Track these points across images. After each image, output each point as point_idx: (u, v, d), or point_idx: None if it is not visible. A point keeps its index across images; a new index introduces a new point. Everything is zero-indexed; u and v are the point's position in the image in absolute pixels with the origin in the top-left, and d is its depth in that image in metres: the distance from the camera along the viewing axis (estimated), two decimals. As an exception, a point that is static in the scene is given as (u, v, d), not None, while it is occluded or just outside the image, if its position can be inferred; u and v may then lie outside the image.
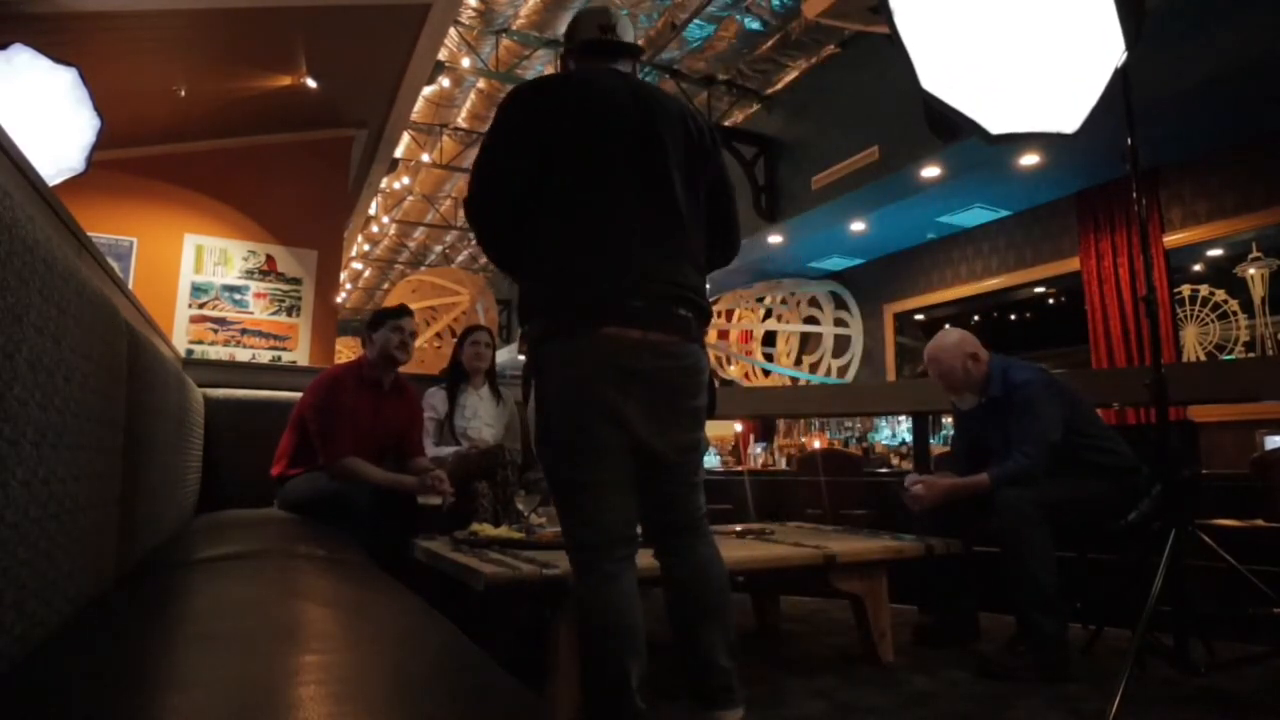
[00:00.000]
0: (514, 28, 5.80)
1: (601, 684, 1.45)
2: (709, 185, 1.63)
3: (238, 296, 5.27)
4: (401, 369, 2.93)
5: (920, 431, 3.72)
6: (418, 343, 7.77)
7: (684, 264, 1.54)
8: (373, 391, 2.81)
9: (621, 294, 1.45)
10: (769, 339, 8.55)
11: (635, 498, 1.54)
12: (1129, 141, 2.16)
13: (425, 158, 7.88)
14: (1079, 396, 2.62)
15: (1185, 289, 5.32)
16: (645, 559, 1.67)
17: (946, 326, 2.87)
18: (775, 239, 6.97)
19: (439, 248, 11.41)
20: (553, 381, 1.49)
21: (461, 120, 7.30)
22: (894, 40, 2.03)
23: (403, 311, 2.88)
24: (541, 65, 6.21)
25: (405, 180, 8.74)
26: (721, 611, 1.57)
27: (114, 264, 2.45)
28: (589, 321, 1.45)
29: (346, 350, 10.15)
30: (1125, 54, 1.95)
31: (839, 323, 8.04)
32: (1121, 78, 2.03)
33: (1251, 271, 4.99)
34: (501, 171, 1.53)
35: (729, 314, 8.46)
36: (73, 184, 2.92)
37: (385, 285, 13.00)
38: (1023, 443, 2.46)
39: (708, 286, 1.63)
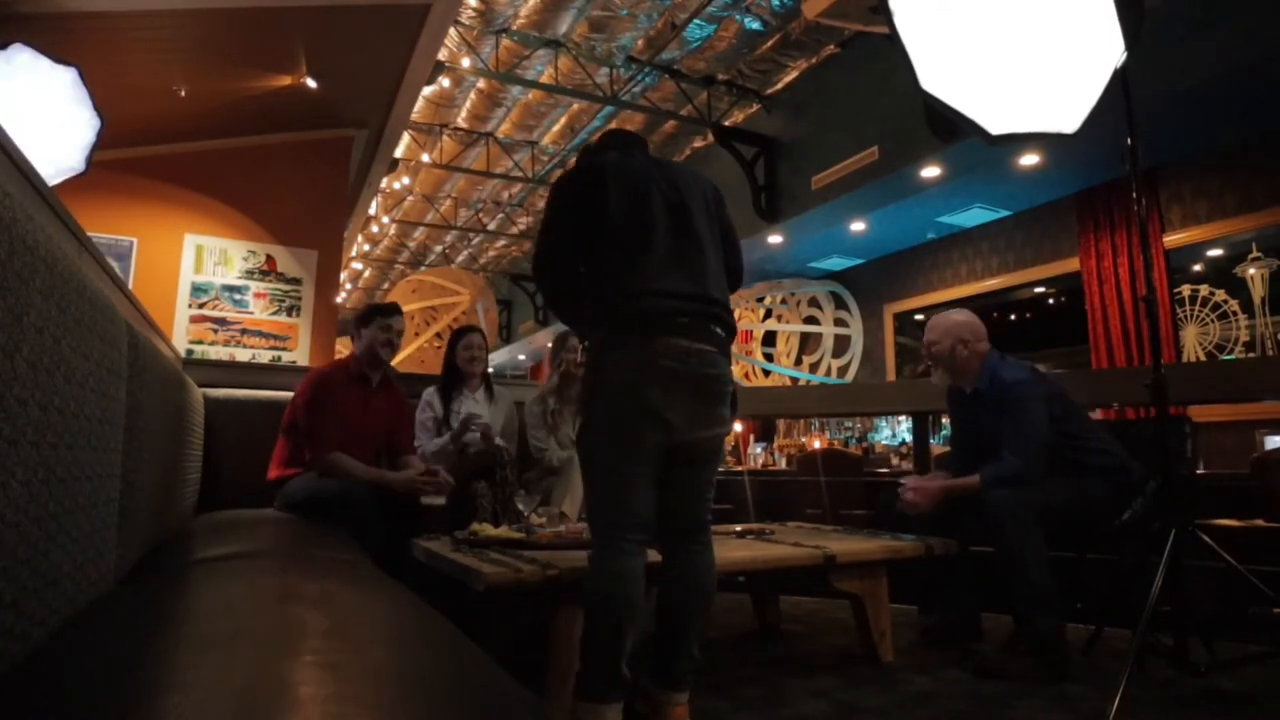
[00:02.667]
0: (514, 28, 5.80)
1: (596, 648, 1.67)
2: (721, 230, 1.97)
3: (238, 296, 5.27)
4: (402, 369, 2.94)
5: (920, 431, 3.72)
6: (418, 342, 7.81)
7: (713, 288, 1.84)
8: (361, 388, 2.83)
9: (672, 312, 1.75)
10: (769, 339, 8.55)
11: (655, 494, 1.78)
12: (1129, 141, 2.16)
13: (425, 158, 7.87)
14: (1068, 397, 2.62)
15: (1185, 289, 5.33)
16: (650, 555, 1.83)
17: (956, 309, 2.88)
18: (775, 239, 6.97)
19: (439, 248, 11.40)
20: (609, 383, 1.76)
21: (461, 120, 7.30)
22: (894, 40, 2.03)
23: (393, 310, 2.91)
24: (541, 65, 6.20)
25: (405, 180, 8.74)
26: (706, 612, 1.85)
27: (114, 264, 2.45)
28: (647, 334, 1.73)
29: (346, 350, 10.14)
30: (1125, 54, 1.95)
31: (839, 323, 8.04)
32: (1121, 78, 2.03)
33: (1251, 271, 4.99)
34: (558, 248, 1.88)
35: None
36: (73, 184, 2.91)
37: (385, 285, 12.99)
38: (1012, 444, 2.46)
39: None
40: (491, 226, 10.19)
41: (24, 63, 2.74)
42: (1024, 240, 6.44)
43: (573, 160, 2.46)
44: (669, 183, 1.88)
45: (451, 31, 5.56)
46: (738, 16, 5.63)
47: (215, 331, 5.18)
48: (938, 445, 4.77)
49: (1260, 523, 2.75)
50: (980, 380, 2.62)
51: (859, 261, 7.85)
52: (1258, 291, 4.97)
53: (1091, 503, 2.46)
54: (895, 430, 7.16)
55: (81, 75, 2.87)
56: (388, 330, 2.85)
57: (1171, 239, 5.35)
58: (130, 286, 3.51)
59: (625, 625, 1.66)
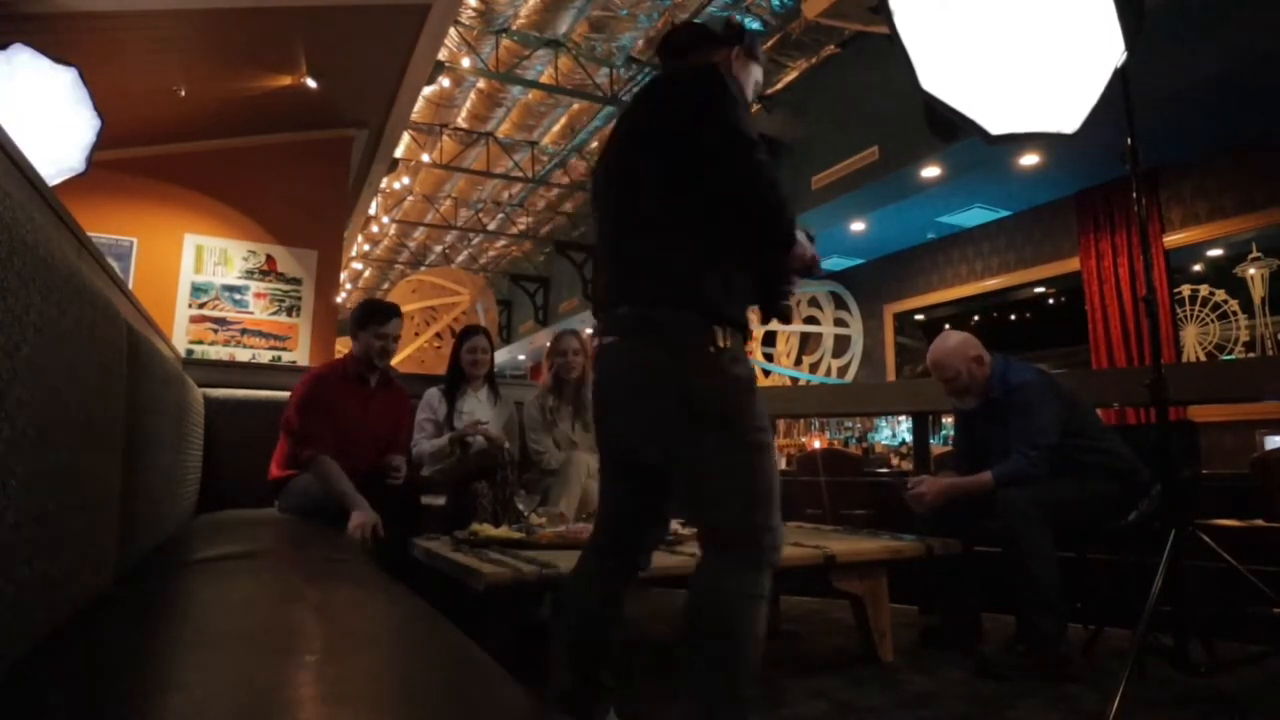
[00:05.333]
0: (514, 28, 5.80)
1: (562, 660, 1.56)
2: (706, 155, 1.38)
3: (238, 296, 5.27)
4: (403, 370, 2.92)
5: (920, 431, 3.72)
6: (418, 343, 7.80)
7: (629, 247, 1.47)
8: (359, 387, 2.80)
9: (610, 304, 1.48)
10: (769, 339, 8.55)
11: (625, 507, 1.57)
12: (1129, 141, 2.16)
13: (425, 158, 7.88)
14: (1078, 398, 2.62)
15: (1185, 289, 5.33)
16: (661, 560, 1.82)
17: (947, 328, 2.87)
18: (775, 239, 6.96)
19: (439, 248, 11.41)
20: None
21: (461, 120, 7.30)
22: (894, 40, 2.03)
23: (389, 316, 2.79)
24: (541, 65, 6.20)
25: (405, 180, 8.74)
26: (704, 641, 1.34)
27: (114, 264, 2.45)
28: (602, 334, 1.51)
29: (347, 350, 10.12)
30: (1125, 54, 1.95)
31: (839, 323, 8.04)
32: (1121, 78, 2.03)
33: (1251, 271, 4.99)
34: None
35: (729, 314, 8.44)
36: (73, 184, 2.92)
37: (385, 285, 13.00)
38: (1022, 443, 2.46)
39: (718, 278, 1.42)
40: (491, 226, 10.19)
41: (24, 63, 2.74)
42: (1024, 240, 6.44)
43: (572, 161, 2.32)
44: (620, 141, 1.54)
45: (451, 31, 5.57)
46: (738, 16, 5.63)
47: (215, 331, 5.18)
48: (938, 445, 4.77)
49: (1260, 523, 2.75)
50: (992, 389, 2.62)
51: (859, 261, 7.85)
52: (1258, 291, 4.97)
53: (1099, 502, 2.45)
54: (895, 430, 7.15)
55: (81, 75, 2.87)
56: (383, 339, 2.76)
57: (1171, 239, 5.34)
58: (130, 286, 3.51)
59: (565, 633, 1.55)
